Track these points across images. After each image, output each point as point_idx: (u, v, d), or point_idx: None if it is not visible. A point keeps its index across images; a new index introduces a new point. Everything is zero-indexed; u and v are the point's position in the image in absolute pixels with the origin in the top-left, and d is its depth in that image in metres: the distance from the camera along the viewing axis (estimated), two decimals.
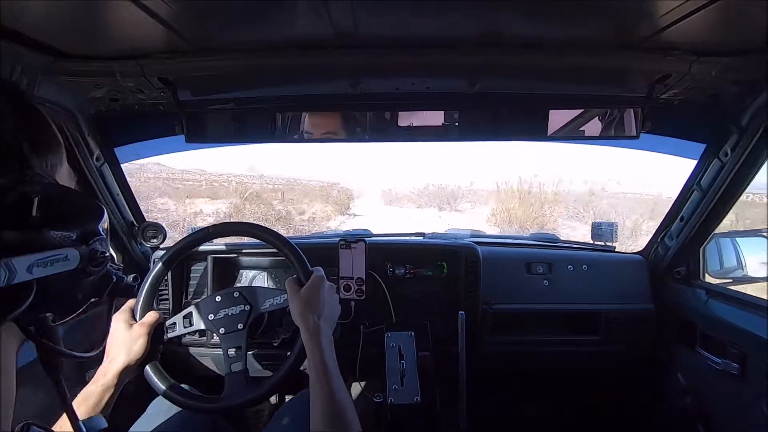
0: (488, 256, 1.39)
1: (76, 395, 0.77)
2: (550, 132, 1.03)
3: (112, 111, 1.06)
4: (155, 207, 9.98)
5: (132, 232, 1.34)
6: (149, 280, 0.96)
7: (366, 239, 1.27)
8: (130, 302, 0.94)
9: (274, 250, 0.98)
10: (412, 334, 1.16)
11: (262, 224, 1.07)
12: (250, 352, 1.12)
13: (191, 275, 1.37)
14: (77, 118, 1.02)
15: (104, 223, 0.48)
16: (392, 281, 1.35)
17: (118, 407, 0.81)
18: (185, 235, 1.04)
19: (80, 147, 1.07)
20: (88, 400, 0.77)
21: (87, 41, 0.79)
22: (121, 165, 1.24)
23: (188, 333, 0.99)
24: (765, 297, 1.08)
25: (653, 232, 1.42)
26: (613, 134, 1.04)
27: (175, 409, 0.95)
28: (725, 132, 1.03)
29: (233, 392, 0.91)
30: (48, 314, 0.45)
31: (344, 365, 0.82)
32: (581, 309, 1.40)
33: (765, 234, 1.27)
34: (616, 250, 1.57)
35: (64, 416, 0.53)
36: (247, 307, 0.96)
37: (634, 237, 8.16)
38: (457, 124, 1.04)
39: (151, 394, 0.93)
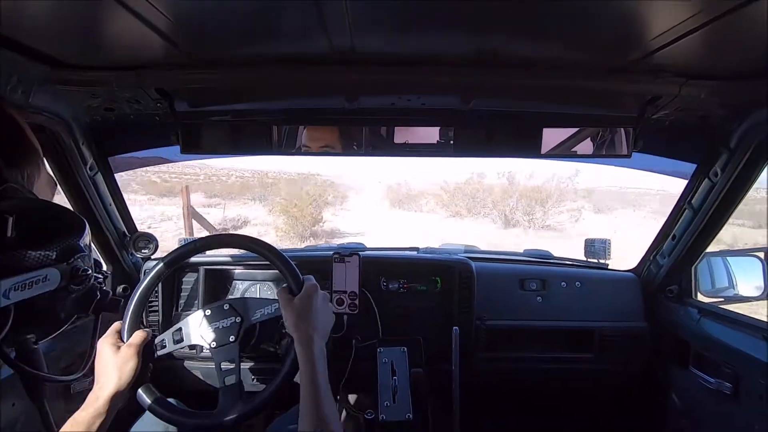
0: (482, 271, 1.38)
1: (60, 408, 0.74)
2: (543, 150, 1.05)
3: (107, 120, 1.06)
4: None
5: (123, 242, 1.32)
6: (134, 299, 0.93)
7: (360, 253, 1.26)
8: (116, 325, 0.89)
9: (267, 262, 0.96)
10: (405, 349, 1.15)
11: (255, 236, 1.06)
12: (245, 365, 1.09)
13: (182, 286, 1.35)
14: (71, 126, 1.01)
15: (86, 238, 0.46)
16: (386, 296, 1.34)
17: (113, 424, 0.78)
18: (175, 247, 1.01)
19: (73, 156, 1.06)
20: (77, 429, 0.71)
21: (85, 51, 0.79)
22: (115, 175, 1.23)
23: (179, 349, 0.96)
24: (755, 317, 1.09)
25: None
26: (605, 153, 1.06)
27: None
28: (715, 152, 1.05)
29: (226, 407, 0.88)
30: (29, 336, 0.43)
31: (335, 379, 0.80)
32: (575, 326, 1.40)
33: (755, 254, 1.28)
34: (609, 267, 1.57)
35: None
36: (238, 319, 0.94)
37: None
38: (452, 141, 1.05)
39: (138, 409, 0.90)
